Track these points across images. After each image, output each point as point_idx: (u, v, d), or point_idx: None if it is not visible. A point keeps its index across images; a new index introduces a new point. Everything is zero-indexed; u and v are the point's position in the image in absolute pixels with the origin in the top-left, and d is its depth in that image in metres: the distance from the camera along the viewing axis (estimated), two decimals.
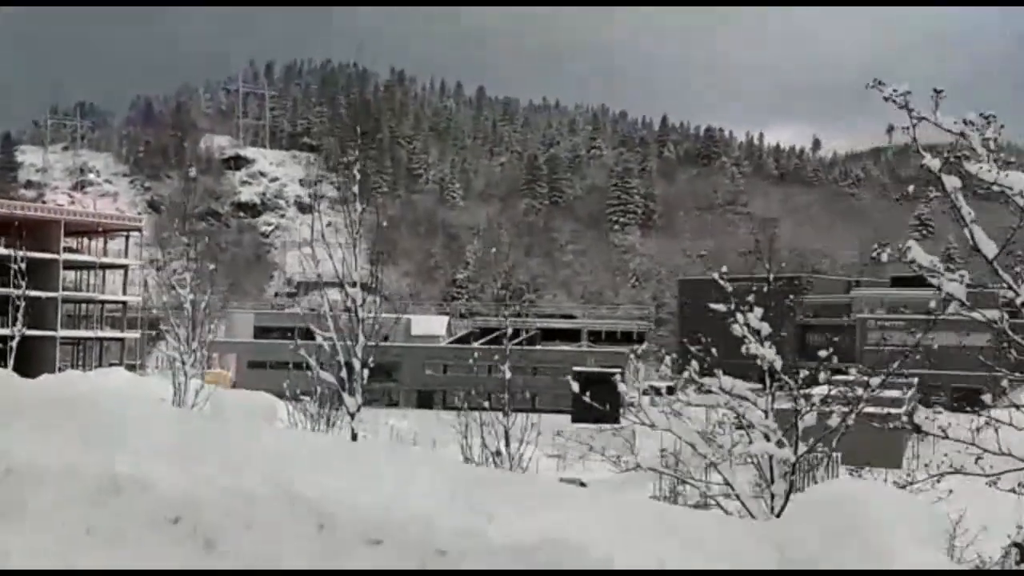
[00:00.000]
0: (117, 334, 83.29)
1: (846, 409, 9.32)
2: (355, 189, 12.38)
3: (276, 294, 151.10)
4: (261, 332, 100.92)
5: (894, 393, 45.42)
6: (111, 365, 70.31)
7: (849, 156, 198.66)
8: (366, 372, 12.24)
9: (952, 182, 7.33)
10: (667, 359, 10.79)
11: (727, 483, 9.02)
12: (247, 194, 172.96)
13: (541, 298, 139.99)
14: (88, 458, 5.68)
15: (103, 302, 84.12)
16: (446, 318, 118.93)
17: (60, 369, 63.46)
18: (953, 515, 10.62)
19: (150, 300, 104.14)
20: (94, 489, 5.47)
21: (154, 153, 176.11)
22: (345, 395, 12.22)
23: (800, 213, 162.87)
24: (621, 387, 10.10)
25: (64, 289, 78.26)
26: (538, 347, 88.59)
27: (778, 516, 8.42)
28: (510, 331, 16.56)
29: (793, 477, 8.86)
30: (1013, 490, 9.00)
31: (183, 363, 19.20)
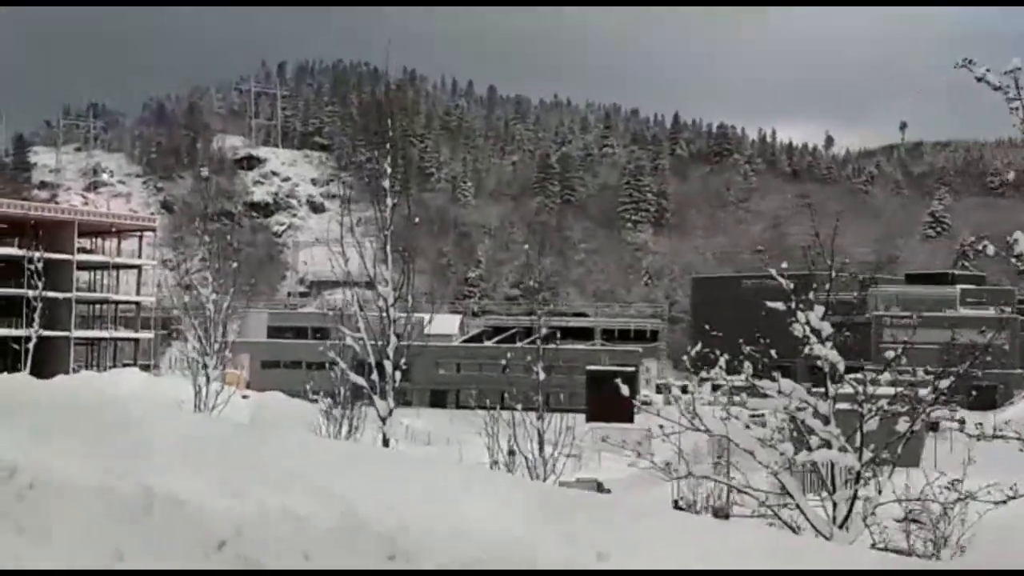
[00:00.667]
0: (131, 334, 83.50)
1: (893, 410, 8.94)
2: (385, 184, 11.81)
3: (289, 294, 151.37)
4: (274, 332, 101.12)
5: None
6: (124, 365, 70.60)
7: (862, 153, 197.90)
8: (398, 374, 11.64)
9: None
10: (692, 353, 10.52)
11: (787, 493, 8.60)
12: (259, 194, 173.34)
13: (555, 296, 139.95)
14: (117, 472, 5.26)
15: (117, 302, 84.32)
16: (458, 317, 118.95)
17: (74, 370, 63.70)
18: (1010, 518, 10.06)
19: (164, 300, 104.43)
20: (125, 507, 5.01)
21: (166, 153, 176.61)
22: (376, 398, 11.63)
23: (813, 210, 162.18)
24: (623, 389, 9.79)
25: (77, 290, 78.49)
26: (551, 345, 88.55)
27: (840, 526, 8.10)
28: (543, 331, 16.02)
29: (856, 485, 8.48)
30: None
31: (205, 365, 18.74)
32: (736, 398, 9.45)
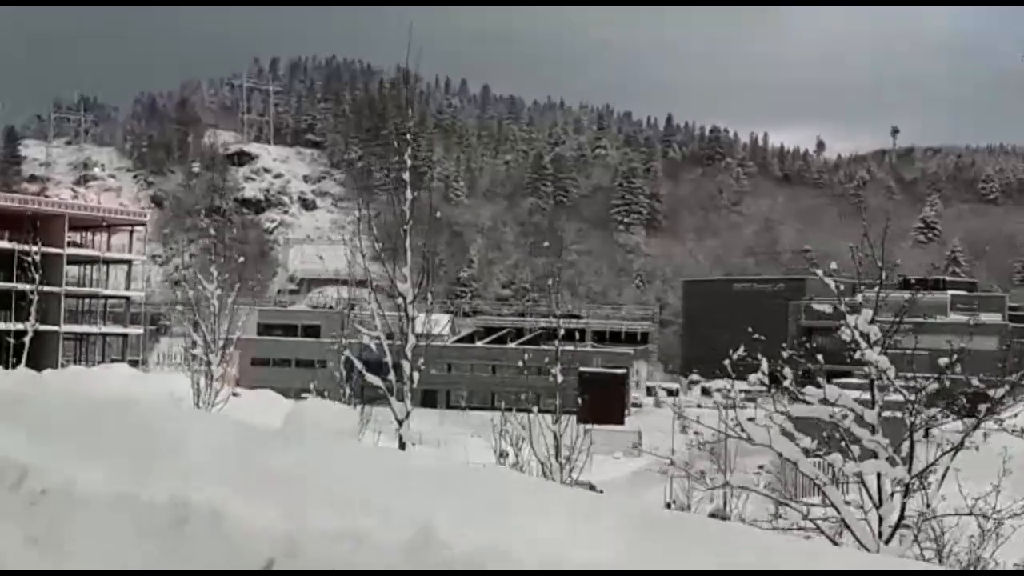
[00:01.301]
0: (120, 329, 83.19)
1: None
2: (405, 176, 11.43)
3: (279, 291, 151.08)
4: (264, 329, 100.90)
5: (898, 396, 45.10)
6: (112, 361, 70.30)
7: (853, 158, 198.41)
8: (416, 376, 11.32)
9: None
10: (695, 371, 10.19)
11: (834, 507, 8.15)
12: (251, 190, 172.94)
13: (546, 297, 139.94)
14: (142, 479, 4.80)
15: (106, 297, 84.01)
16: (449, 316, 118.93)
17: (63, 365, 63.42)
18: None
19: (152, 295, 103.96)
20: (154, 519, 4.57)
21: (157, 148, 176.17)
22: (392, 400, 11.31)
23: (804, 215, 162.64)
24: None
25: (66, 284, 78.17)
26: (544, 347, 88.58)
27: (887, 542, 7.79)
28: (562, 332, 15.36)
29: (905, 499, 8.12)
30: None
31: (209, 362, 18.07)
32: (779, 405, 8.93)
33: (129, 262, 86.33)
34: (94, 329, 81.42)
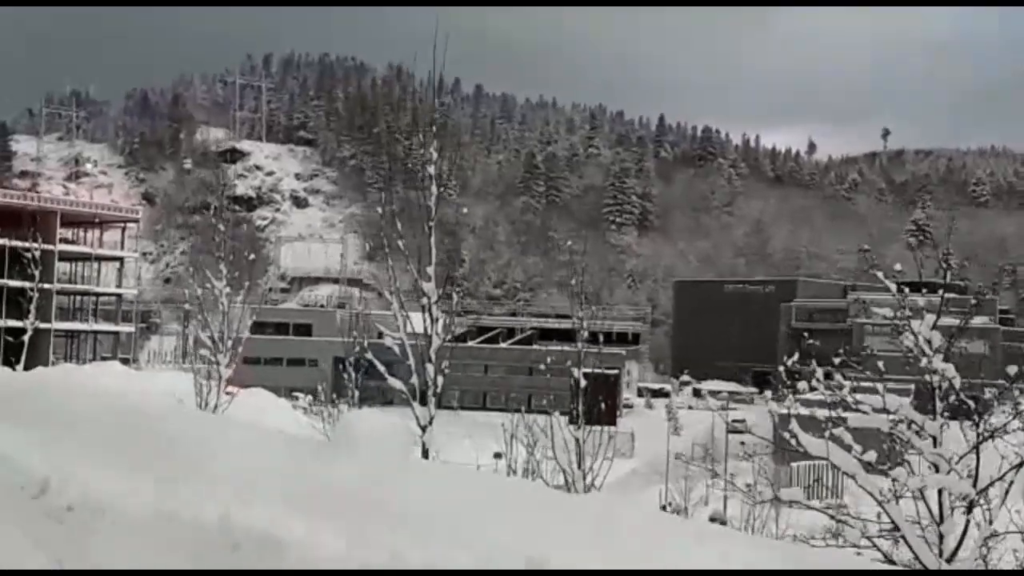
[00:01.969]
0: (111, 327, 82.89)
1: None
2: (431, 171, 11.06)
3: (270, 289, 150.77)
4: (256, 327, 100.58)
5: (892, 399, 45.11)
6: (103, 359, 70.09)
7: (844, 160, 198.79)
8: (440, 380, 10.89)
9: None
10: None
11: (893, 523, 7.65)
12: (242, 187, 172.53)
13: (537, 297, 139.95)
14: (178, 495, 4.34)
15: (98, 295, 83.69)
16: (442, 315, 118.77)
17: (53, 362, 63.22)
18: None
19: (144, 292, 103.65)
20: (199, 542, 4.05)
21: (149, 145, 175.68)
22: (415, 404, 10.89)
23: (796, 216, 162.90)
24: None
25: (57, 281, 77.89)
26: (535, 346, 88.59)
27: (949, 560, 7.35)
28: (586, 333, 14.84)
29: (968, 515, 7.63)
30: None
31: (217, 363, 17.52)
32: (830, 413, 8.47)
33: (121, 259, 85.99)
34: (85, 327, 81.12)
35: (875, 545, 7.79)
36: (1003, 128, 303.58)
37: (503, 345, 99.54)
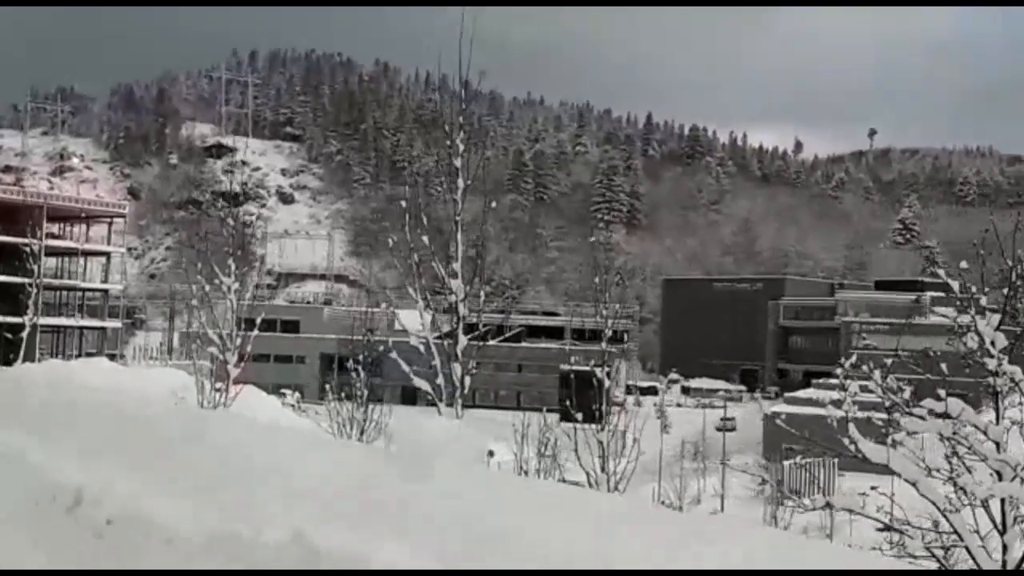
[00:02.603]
0: (98, 323, 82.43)
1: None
2: (457, 163, 10.58)
3: (256, 285, 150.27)
4: (238, 323, 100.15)
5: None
6: (89, 355, 69.70)
7: (831, 159, 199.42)
8: (468, 380, 10.40)
9: None
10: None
11: (956, 533, 7.25)
12: (228, 183, 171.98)
13: (524, 294, 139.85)
14: (233, 510, 3.80)
15: (84, 290, 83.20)
16: (429, 312, 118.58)
17: (40, 358, 62.82)
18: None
19: (129, 288, 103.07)
20: (266, 566, 3.51)
21: (134, 140, 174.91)
22: (441, 406, 10.41)
23: (783, 214, 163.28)
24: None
25: (44, 276, 77.41)
26: (523, 344, 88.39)
27: (1018, 570, 7.00)
28: (609, 332, 14.35)
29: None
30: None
31: (225, 360, 17.02)
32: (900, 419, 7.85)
33: (108, 254, 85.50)
34: (71, 322, 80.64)
35: (934, 555, 7.49)
36: (993, 129, 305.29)
37: (492, 342, 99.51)
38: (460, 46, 8.68)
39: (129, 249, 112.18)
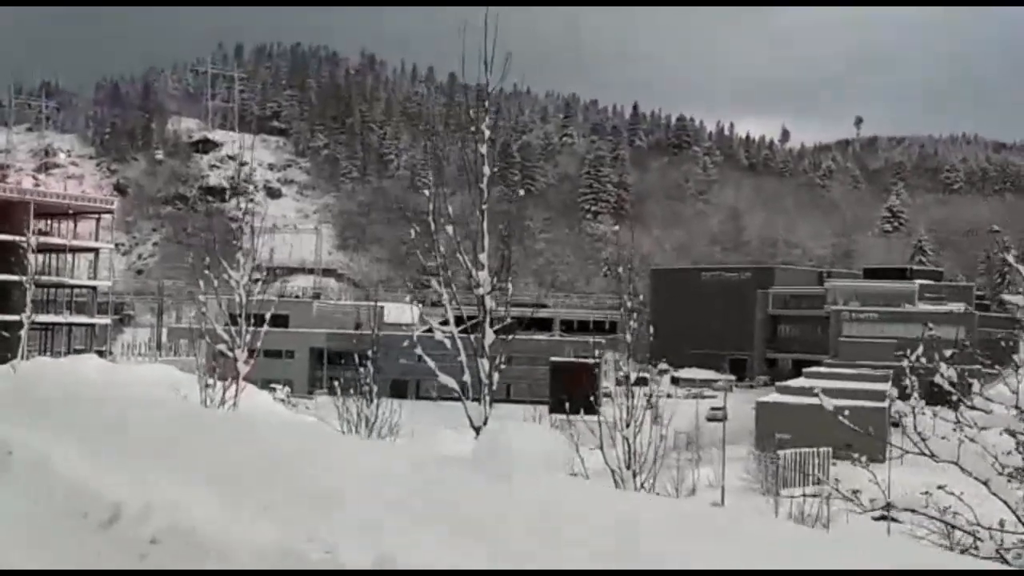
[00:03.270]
0: (87, 320, 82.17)
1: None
2: (482, 150, 10.32)
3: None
4: (231, 319, 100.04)
5: (876, 386, 45.46)
6: (77, 351, 69.48)
7: (817, 147, 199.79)
8: (496, 376, 10.14)
9: None
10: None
11: None
12: (215, 178, 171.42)
13: (512, 286, 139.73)
14: (294, 525, 3.30)
15: (72, 287, 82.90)
16: (418, 306, 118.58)
17: (28, 356, 62.56)
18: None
19: (116, 284, 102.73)
20: None
21: (120, 135, 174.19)
22: (468, 404, 10.17)
23: (771, 203, 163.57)
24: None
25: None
26: (514, 336, 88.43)
27: None
28: (632, 324, 14.06)
29: None
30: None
31: (236, 359, 16.46)
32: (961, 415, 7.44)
33: (96, 250, 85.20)
34: (59, 319, 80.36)
35: (1003, 558, 7.06)
36: (975, 115, 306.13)
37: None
38: (485, 25, 8.46)
39: (116, 245, 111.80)
